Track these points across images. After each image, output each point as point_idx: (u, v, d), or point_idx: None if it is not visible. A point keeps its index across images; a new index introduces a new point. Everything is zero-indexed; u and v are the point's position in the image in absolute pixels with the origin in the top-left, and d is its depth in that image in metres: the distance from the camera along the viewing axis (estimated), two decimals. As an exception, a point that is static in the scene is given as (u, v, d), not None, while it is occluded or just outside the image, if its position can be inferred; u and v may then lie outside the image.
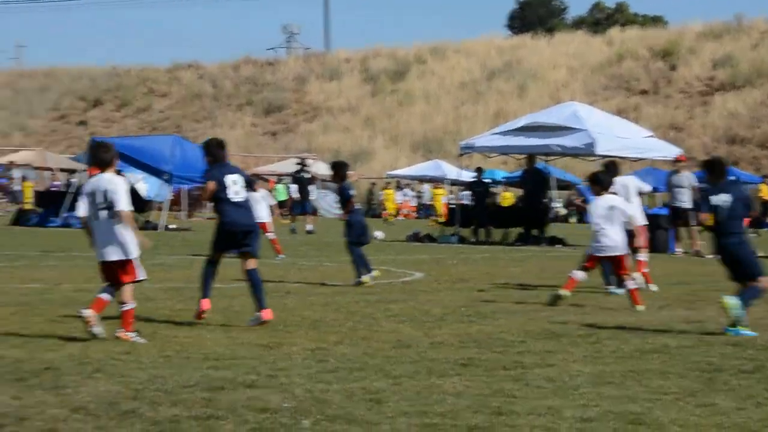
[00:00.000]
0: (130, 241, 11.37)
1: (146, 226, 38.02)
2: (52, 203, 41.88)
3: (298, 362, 10.16)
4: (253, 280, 12.97)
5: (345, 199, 18.82)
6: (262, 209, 24.83)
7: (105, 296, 11.43)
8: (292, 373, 9.52)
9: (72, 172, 60.17)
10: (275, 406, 8.13)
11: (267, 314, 12.79)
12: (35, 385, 8.70)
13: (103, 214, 11.31)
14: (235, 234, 12.90)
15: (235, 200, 12.90)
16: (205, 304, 12.95)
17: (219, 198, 12.89)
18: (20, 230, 37.28)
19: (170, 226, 39.40)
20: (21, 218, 41.45)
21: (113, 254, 11.34)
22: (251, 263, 12.99)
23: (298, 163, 45.70)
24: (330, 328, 12.67)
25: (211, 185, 12.83)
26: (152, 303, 14.76)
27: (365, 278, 18.48)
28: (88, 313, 11.24)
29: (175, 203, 48.16)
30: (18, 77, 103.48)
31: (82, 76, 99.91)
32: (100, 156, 11.48)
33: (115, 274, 11.40)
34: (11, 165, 54.73)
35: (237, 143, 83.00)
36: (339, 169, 19.29)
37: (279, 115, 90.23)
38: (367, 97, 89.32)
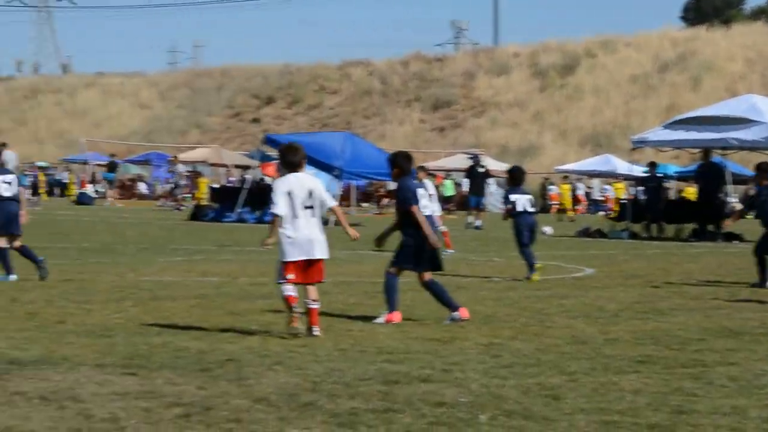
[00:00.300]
0: (326, 241, 11.55)
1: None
2: (228, 199, 42.72)
3: (472, 357, 10.17)
4: (433, 290, 12.82)
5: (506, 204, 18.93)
6: (434, 202, 25.01)
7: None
8: (467, 368, 9.54)
9: (246, 168, 61.33)
10: (451, 400, 8.16)
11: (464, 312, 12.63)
12: (219, 376, 8.91)
13: (307, 212, 11.43)
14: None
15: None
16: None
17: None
18: (197, 225, 38.16)
19: (340, 222, 39.78)
20: (198, 214, 42.42)
21: (319, 252, 11.46)
22: (426, 276, 12.74)
23: (471, 158, 45.51)
24: (503, 324, 12.65)
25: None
26: (325, 297, 14.91)
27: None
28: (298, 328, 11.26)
29: (344, 199, 48.62)
30: (195, 76, 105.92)
31: (255, 75, 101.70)
32: (288, 159, 11.59)
33: (311, 271, 11.48)
34: (175, 161, 55.92)
35: (405, 139, 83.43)
36: (511, 172, 19.59)
37: (447, 110, 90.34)
38: (536, 91, 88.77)
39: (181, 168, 54.33)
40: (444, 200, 60.35)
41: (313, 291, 11.49)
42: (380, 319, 12.52)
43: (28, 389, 8.15)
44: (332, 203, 11.65)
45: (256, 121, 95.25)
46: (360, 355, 10.15)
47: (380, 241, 13.12)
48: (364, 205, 62.81)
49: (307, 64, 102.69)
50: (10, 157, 45.13)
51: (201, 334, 11.19)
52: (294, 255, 11.33)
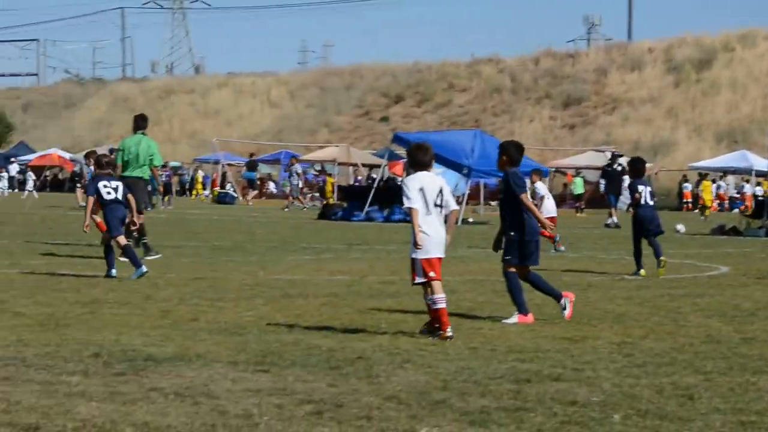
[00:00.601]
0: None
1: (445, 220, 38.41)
2: (356, 198, 42.94)
3: (604, 356, 10.07)
4: (534, 282, 12.80)
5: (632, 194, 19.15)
6: (551, 203, 25.12)
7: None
8: (599, 367, 9.44)
9: (374, 167, 61.59)
10: (583, 399, 8.08)
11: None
12: (349, 374, 8.96)
13: (436, 211, 11.45)
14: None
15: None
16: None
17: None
18: (326, 224, 38.43)
19: (469, 220, 39.74)
20: (326, 212, 42.73)
21: (441, 251, 11.48)
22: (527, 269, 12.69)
23: (610, 155, 44.75)
24: (635, 322, 12.50)
25: None
26: (454, 295, 14.93)
27: (641, 272, 18.79)
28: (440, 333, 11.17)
29: (473, 197, 48.51)
30: (325, 75, 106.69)
31: (385, 73, 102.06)
32: (419, 158, 11.60)
33: (434, 270, 11.48)
34: (293, 161, 56.17)
35: (535, 136, 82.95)
36: (635, 164, 19.70)
37: (578, 107, 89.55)
38: (670, 87, 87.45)
39: (298, 168, 54.65)
40: (574, 198, 59.88)
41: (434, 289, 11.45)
42: (511, 320, 12.46)
43: (164, 385, 8.30)
44: (455, 206, 11.62)
45: (384, 119, 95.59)
46: (490, 354, 10.12)
47: (496, 245, 13.05)
48: (493, 203, 62.55)
49: (436, 62, 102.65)
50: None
51: (331, 332, 11.27)
52: (433, 252, 11.31)
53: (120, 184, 17.21)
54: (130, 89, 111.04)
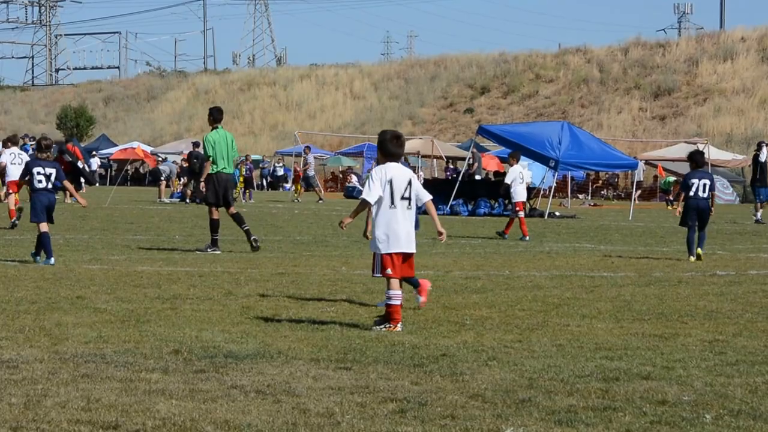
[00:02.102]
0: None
1: (532, 213, 38.17)
2: (440, 191, 42.68)
3: (695, 354, 9.81)
4: None
5: None
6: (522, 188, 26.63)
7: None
8: (690, 365, 9.20)
9: (459, 159, 61.35)
10: (674, 398, 7.86)
11: None
12: (433, 371, 8.81)
13: (402, 204, 11.20)
14: None
15: None
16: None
17: None
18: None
19: (555, 213, 39.39)
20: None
21: (407, 246, 11.22)
22: None
23: (757, 145, 43.04)
24: (727, 319, 12.19)
25: None
26: (540, 291, 14.73)
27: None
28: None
29: (560, 190, 48.11)
30: (409, 67, 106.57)
31: (470, 64, 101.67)
32: (391, 149, 11.32)
33: (405, 267, 11.25)
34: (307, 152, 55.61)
35: (623, 128, 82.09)
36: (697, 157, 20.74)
37: (668, 98, 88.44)
38: (764, 77, 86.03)
39: (310, 159, 54.28)
40: (663, 191, 59.13)
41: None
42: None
43: (245, 383, 8.20)
44: (428, 197, 11.37)
45: (469, 111, 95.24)
46: (577, 351, 9.91)
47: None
48: (581, 196, 62.06)
49: (522, 53, 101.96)
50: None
51: (415, 329, 11.12)
52: (393, 247, 11.09)
53: (54, 171, 17.58)
54: (212, 81, 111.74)
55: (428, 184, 48.63)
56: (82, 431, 6.72)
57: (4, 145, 32.04)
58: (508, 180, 27.46)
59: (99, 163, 79.87)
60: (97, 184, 71.20)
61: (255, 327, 11.00)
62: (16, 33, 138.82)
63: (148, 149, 78.47)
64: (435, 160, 68.97)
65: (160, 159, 58.11)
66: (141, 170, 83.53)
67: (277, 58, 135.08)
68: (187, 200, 44.57)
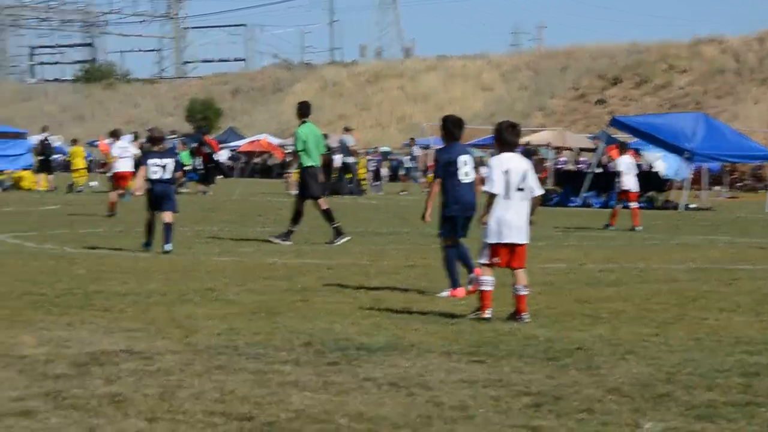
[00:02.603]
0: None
1: (666, 206, 37.52)
2: (572, 183, 42.29)
3: (842, 349, 9.46)
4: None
5: None
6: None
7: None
8: (836, 361, 8.87)
9: (590, 151, 60.67)
10: (820, 396, 7.58)
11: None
12: (568, 365, 8.63)
13: (518, 195, 11.04)
14: None
15: None
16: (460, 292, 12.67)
17: None
18: (541, 210, 37.92)
19: (690, 206, 38.66)
20: (542, 198, 42.20)
21: (519, 237, 11.05)
22: None
23: None
24: None
25: None
26: (676, 284, 14.43)
27: None
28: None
29: (695, 182, 47.19)
30: (539, 58, 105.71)
31: (601, 55, 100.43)
32: (507, 138, 11.23)
33: (515, 257, 11.06)
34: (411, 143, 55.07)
35: (760, 119, 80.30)
36: None
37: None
38: None
39: (416, 151, 53.90)
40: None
41: (521, 277, 11.08)
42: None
43: (378, 375, 8.13)
44: (540, 191, 11.28)
45: (601, 102, 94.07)
46: (716, 345, 9.64)
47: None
48: (716, 188, 60.87)
49: (655, 43, 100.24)
50: (350, 140, 46.43)
51: (548, 322, 10.94)
52: (506, 237, 10.99)
53: (170, 162, 18.15)
54: (339, 74, 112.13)
55: (560, 176, 48.24)
56: (217, 423, 6.71)
57: (113, 138, 32.63)
58: (621, 169, 26.97)
59: (228, 156, 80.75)
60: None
61: (386, 319, 10.92)
62: (144, 26, 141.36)
63: (275, 141, 79.18)
64: (566, 151, 68.31)
65: (287, 151, 58.54)
66: (268, 162, 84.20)
67: (404, 49, 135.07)
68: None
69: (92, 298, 12.06)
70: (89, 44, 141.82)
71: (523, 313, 10.94)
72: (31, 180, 44.87)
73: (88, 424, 6.58)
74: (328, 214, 20.42)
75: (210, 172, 45.69)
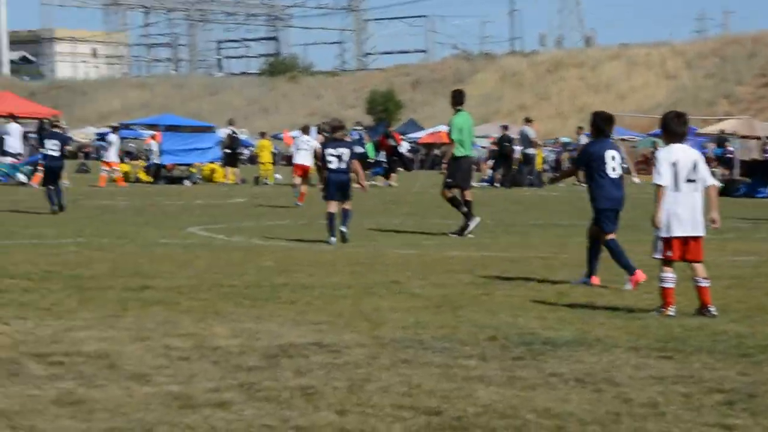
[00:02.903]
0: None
1: None
2: (761, 173, 41.19)
3: None
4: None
5: None
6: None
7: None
8: None
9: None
10: None
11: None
12: (762, 362, 8.43)
13: (688, 187, 10.76)
14: None
15: None
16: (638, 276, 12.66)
17: None
18: (728, 201, 37.09)
19: None
20: (729, 189, 41.27)
21: (700, 230, 10.77)
22: None
23: None
24: None
25: None
26: None
27: None
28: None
29: None
30: (724, 44, 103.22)
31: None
32: (674, 128, 10.96)
33: (690, 250, 10.75)
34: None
35: None
36: None
37: None
38: None
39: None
40: None
41: (700, 269, 10.83)
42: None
43: (564, 371, 8.08)
44: (712, 181, 10.98)
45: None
46: None
47: None
48: None
49: None
50: (530, 131, 45.94)
51: (739, 317, 10.69)
52: (676, 231, 10.77)
53: (346, 152, 18.43)
54: (519, 63, 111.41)
55: (748, 166, 47.00)
56: (405, 417, 6.76)
57: (303, 132, 33.12)
58: None
59: (408, 148, 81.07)
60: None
61: (571, 314, 10.84)
62: (326, 19, 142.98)
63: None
64: (753, 140, 66.57)
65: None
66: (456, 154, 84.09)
67: (585, 38, 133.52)
68: (496, 184, 44.70)
69: (279, 290, 12.28)
70: (274, 38, 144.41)
71: (708, 306, 10.73)
72: (221, 173, 45.92)
73: (281, 416, 6.71)
74: (454, 202, 20.39)
75: (394, 164, 46.01)
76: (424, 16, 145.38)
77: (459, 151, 20.40)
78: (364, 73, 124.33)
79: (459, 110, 20.53)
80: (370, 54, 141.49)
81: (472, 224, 20.07)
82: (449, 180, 20.39)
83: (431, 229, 21.53)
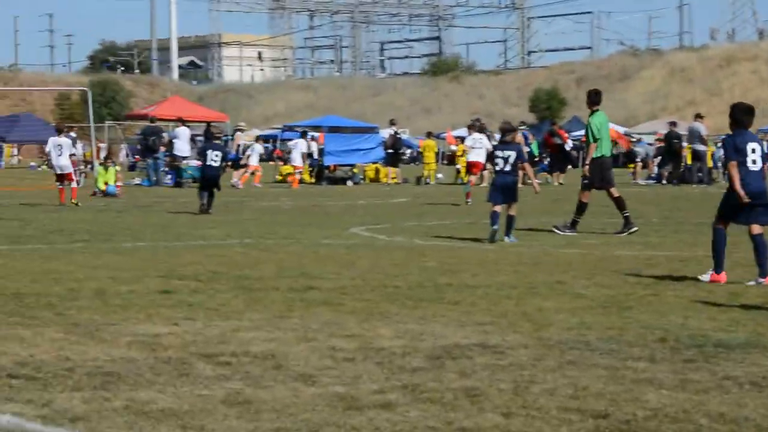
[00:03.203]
0: None
1: None
2: None
3: None
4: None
5: None
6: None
7: None
8: None
9: None
10: None
11: None
12: None
13: None
14: None
15: None
16: (721, 277, 12.49)
17: None
18: None
19: None
20: None
21: None
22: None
23: None
24: None
25: None
26: None
27: None
28: None
29: None
30: None
31: None
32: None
33: None
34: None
35: None
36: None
37: None
38: None
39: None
40: None
41: None
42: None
43: (738, 374, 7.84)
44: None
45: None
46: None
47: None
48: None
49: None
50: (701, 128, 45.02)
51: None
52: None
53: (513, 154, 18.32)
54: (687, 59, 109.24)
55: None
56: (572, 419, 6.64)
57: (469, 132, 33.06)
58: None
59: (571, 146, 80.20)
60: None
61: (744, 315, 10.53)
62: (489, 18, 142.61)
63: (621, 130, 78.20)
64: None
65: (633, 140, 57.62)
66: (613, 152, 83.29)
67: (758, 31, 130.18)
68: (663, 181, 43.92)
69: (443, 290, 12.24)
70: (437, 38, 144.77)
71: None
72: (384, 173, 46.17)
73: (445, 418, 6.66)
74: (619, 203, 20.09)
75: (560, 162, 45.65)
76: (590, 12, 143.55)
77: (598, 152, 20.26)
78: (528, 71, 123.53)
79: (596, 110, 20.46)
80: (533, 52, 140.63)
81: (629, 230, 19.77)
82: (599, 182, 20.23)
83: (595, 229, 21.19)
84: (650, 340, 9.20)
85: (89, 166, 45.57)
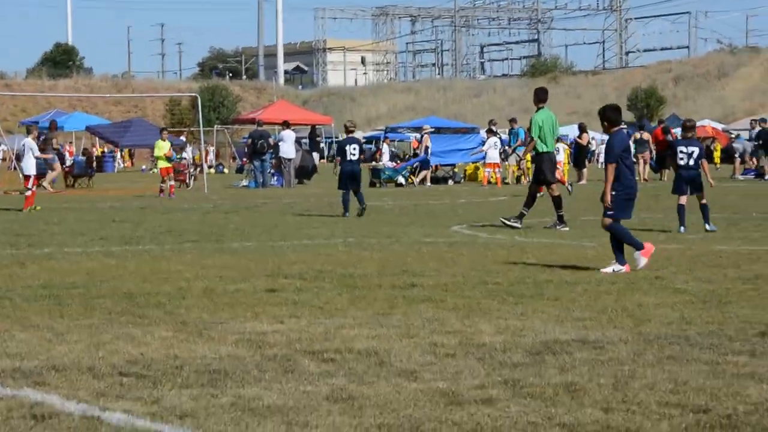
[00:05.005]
0: None
1: None
2: None
3: None
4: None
5: None
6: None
7: None
8: None
9: None
10: None
11: None
12: None
13: None
14: None
15: None
16: None
17: None
18: None
19: None
20: None
21: None
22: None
23: None
24: None
25: None
26: None
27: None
28: None
29: None
30: None
31: None
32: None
33: None
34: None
35: None
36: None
37: None
38: None
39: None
40: None
41: None
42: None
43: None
44: None
45: None
46: None
47: None
48: None
49: None
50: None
51: None
52: None
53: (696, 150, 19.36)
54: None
55: None
56: (672, 414, 6.70)
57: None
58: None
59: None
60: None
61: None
62: (587, 20, 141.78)
63: (719, 127, 77.31)
64: None
65: (732, 136, 56.76)
66: (711, 148, 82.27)
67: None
68: (766, 177, 43.30)
69: (543, 287, 12.32)
70: (535, 40, 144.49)
71: None
72: (482, 173, 46.10)
73: (545, 413, 6.76)
74: (557, 201, 20.84)
75: (665, 159, 45.27)
76: (687, 12, 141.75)
77: (540, 147, 21.05)
78: (625, 71, 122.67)
79: (541, 107, 21.20)
80: (631, 52, 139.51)
81: (561, 228, 20.43)
82: (543, 177, 21.04)
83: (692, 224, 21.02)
84: (751, 334, 9.20)
85: (198, 168, 46.33)
